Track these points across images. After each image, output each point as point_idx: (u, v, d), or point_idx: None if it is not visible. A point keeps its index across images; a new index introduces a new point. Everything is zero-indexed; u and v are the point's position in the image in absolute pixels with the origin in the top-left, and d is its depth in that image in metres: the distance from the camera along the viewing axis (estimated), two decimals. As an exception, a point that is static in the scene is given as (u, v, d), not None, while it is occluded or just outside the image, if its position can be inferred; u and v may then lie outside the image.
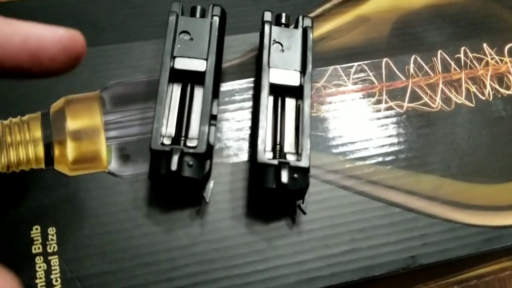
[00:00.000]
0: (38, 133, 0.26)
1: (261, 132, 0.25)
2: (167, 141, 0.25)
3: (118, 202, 0.26)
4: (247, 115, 0.29)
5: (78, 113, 0.27)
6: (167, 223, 0.26)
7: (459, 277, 0.38)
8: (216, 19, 0.27)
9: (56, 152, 0.26)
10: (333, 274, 0.26)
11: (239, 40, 0.31)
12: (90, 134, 0.27)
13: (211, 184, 0.26)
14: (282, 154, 0.26)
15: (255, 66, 0.30)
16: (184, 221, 0.26)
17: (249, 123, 0.29)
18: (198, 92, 0.27)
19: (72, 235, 0.25)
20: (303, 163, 0.25)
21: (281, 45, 0.27)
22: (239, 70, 0.30)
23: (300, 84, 0.27)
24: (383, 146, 0.29)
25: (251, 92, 0.29)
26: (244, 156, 0.28)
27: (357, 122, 0.29)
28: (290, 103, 0.27)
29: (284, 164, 0.24)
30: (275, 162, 0.24)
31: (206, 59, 0.26)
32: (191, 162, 0.24)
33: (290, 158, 0.26)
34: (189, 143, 0.25)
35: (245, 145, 0.28)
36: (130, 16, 0.31)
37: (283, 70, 0.27)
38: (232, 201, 0.27)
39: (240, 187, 0.27)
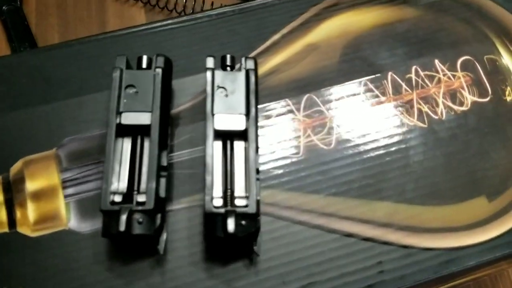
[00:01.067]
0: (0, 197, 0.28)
1: (207, 182, 0.26)
2: (118, 199, 0.26)
3: (80, 258, 0.27)
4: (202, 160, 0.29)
5: (36, 174, 0.28)
6: (128, 275, 0.27)
7: (453, 283, 0.38)
8: (159, 71, 0.28)
9: (18, 214, 0.27)
10: (293, 310, 0.27)
11: (190, 82, 0.31)
12: (49, 193, 0.28)
13: (164, 235, 0.26)
14: (233, 199, 0.26)
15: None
16: (144, 271, 0.27)
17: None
18: (147, 145, 0.27)
19: (38, 295, 0.27)
20: (250, 209, 0.25)
21: (225, 89, 0.28)
22: (191, 114, 0.31)
23: (245, 128, 0.27)
24: (335, 177, 0.29)
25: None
26: (200, 202, 0.28)
27: (308, 155, 0.30)
28: (239, 146, 0.28)
29: (231, 213, 0.25)
30: (222, 210, 0.25)
31: (151, 112, 0.27)
32: (140, 220, 0.25)
33: (240, 203, 0.26)
34: (139, 198, 0.26)
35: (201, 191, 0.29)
36: (81, 68, 0.32)
37: (228, 115, 0.27)
38: (190, 248, 0.28)
39: (197, 232, 0.28)
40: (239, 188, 0.27)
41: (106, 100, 0.30)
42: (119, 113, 0.27)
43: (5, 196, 0.28)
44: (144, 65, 0.29)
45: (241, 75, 0.28)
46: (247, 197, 0.26)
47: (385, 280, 0.27)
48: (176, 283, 0.27)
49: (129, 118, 0.27)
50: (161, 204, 0.26)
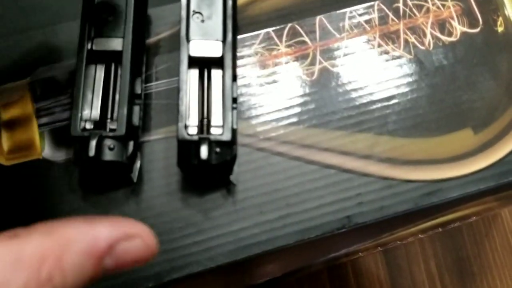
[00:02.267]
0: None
1: (180, 109, 0.25)
2: (89, 126, 0.25)
3: (54, 187, 0.27)
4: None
5: (10, 103, 0.28)
6: (103, 204, 0.27)
7: (440, 219, 0.38)
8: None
9: (-8, 143, 0.27)
10: (269, 240, 0.27)
11: (169, 10, 0.30)
12: (22, 122, 0.28)
13: (138, 164, 0.26)
14: (209, 128, 0.26)
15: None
16: (119, 200, 0.27)
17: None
18: (119, 72, 0.26)
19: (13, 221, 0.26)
20: (225, 136, 0.25)
21: (202, 15, 0.27)
22: (170, 43, 0.30)
23: (222, 55, 0.26)
24: (316, 108, 0.28)
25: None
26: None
27: (290, 86, 0.29)
28: (217, 74, 0.27)
29: (204, 140, 0.24)
30: (196, 138, 0.25)
31: (123, 37, 0.26)
32: (112, 146, 0.24)
33: (216, 131, 0.26)
34: (111, 126, 0.25)
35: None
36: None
37: (204, 41, 0.26)
38: (166, 178, 0.27)
39: (173, 163, 0.27)
40: (216, 117, 0.26)
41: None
42: (90, 39, 0.26)
43: (-21, 127, 0.27)
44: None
45: (219, 0, 0.27)
46: (223, 126, 0.26)
47: (363, 211, 0.27)
48: (152, 212, 0.27)
49: (101, 44, 0.26)
50: (134, 131, 0.26)
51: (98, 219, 0.17)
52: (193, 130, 0.26)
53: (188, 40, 0.26)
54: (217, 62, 0.26)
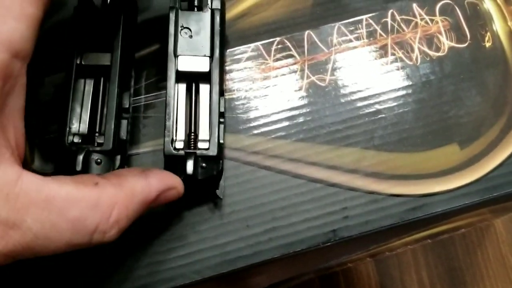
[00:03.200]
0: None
1: (167, 124, 0.25)
2: (77, 140, 0.25)
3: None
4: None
5: None
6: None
7: (430, 231, 0.38)
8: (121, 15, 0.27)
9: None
10: (255, 253, 0.27)
11: (158, 23, 0.30)
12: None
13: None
14: (196, 143, 0.26)
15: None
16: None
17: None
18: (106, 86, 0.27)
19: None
20: (211, 151, 0.25)
21: (190, 30, 0.27)
22: (159, 56, 0.30)
23: (210, 70, 0.26)
24: (304, 122, 0.29)
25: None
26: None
27: (277, 100, 0.29)
28: (204, 88, 0.27)
29: (190, 155, 0.25)
30: (182, 153, 0.25)
31: (111, 52, 0.26)
32: (99, 160, 0.25)
33: (203, 146, 0.26)
34: (99, 140, 0.25)
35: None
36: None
37: (191, 57, 0.26)
38: (153, 190, 0.27)
39: (161, 175, 0.28)
40: (203, 132, 0.27)
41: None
42: (79, 53, 0.26)
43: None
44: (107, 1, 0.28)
45: (207, 15, 0.27)
46: (209, 141, 0.26)
47: (349, 226, 0.27)
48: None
49: (89, 58, 0.26)
50: (121, 145, 0.26)
51: (150, 173, 0.23)
52: (179, 145, 0.26)
53: (176, 55, 0.26)
54: (205, 77, 0.27)
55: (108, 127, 0.25)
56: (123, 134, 0.26)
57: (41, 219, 0.18)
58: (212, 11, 0.27)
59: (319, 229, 0.27)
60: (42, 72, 0.29)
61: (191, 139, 0.26)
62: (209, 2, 0.28)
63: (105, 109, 0.26)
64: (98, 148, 0.25)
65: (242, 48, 0.30)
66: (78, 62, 0.26)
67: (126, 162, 0.27)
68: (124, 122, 0.26)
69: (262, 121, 0.29)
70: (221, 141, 0.26)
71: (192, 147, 0.26)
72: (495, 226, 0.52)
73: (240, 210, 0.27)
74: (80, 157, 0.24)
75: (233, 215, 0.27)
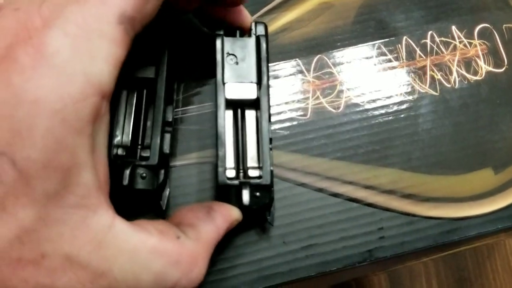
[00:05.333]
0: None
1: (220, 154, 0.25)
2: (121, 152, 0.25)
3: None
4: (212, 120, 0.29)
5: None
6: (129, 227, 0.27)
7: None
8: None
9: None
10: (291, 270, 0.27)
11: (198, 35, 0.30)
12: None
13: (167, 191, 0.26)
14: (245, 169, 0.26)
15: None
16: (145, 225, 0.27)
17: (213, 128, 0.29)
18: (153, 99, 0.27)
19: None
20: (264, 180, 0.25)
21: (236, 57, 0.27)
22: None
23: (257, 97, 0.26)
24: (341, 141, 0.29)
25: (208, 95, 0.29)
26: (204, 159, 0.28)
27: (315, 118, 0.29)
28: (250, 115, 0.27)
29: (245, 185, 0.24)
30: (236, 182, 0.25)
31: (157, 65, 0.26)
32: (144, 174, 0.25)
33: (253, 173, 0.26)
34: (143, 153, 0.25)
35: (210, 151, 0.28)
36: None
37: (238, 84, 0.26)
38: (191, 204, 0.27)
39: (200, 189, 0.28)
40: (252, 158, 0.26)
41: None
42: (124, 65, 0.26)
43: None
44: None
45: (251, 42, 0.27)
46: (260, 168, 0.26)
47: (384, 246, 0.27)
48: (177, 238, 0.27)
49: (134, 70, 0.26)
50: (164, 159, 0.26)
51: (214, 213, 0.23)
52: (231, 173, 0.26)
53: (223, 83, 0.26)
54: (252, 103, 0.27)
55: (154, 142, 0.25)
56: (166, 148, 0.26)
57: (126, 269, 0.18)
58: (258, 38, 0.27)
59: (355, 248, 0.27)
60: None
61: (241, 166, 0.26)
62: (253, 28, 0.27)
63: (148, 122, 0.26)
64: (143, 163, 0.25)
65: (281, 63, 0.30)
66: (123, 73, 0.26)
67: (168, 176, 0.27)
68: (167, 136, 0.26)
69: (300, 137, 0.29)
70: (271, 168, 0.26)
71: (242, 175, 0.26)
72: (505, 240, 0.53)
73: (277, 227, 0.27)
74: (127, 172, 0.24)
75: (270, 231, 0.27)
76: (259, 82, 0.26)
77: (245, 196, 0.24)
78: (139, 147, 0.26)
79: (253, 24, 0.27)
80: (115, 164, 0.24)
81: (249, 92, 0.26)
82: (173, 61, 0.27)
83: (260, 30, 0.27)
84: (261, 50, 0.27)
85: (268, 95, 0.26)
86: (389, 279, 0.51)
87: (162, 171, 0.26)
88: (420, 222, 0.28)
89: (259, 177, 0.25)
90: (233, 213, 0.24)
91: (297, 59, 0.30)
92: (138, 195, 0.25)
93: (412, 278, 0.51)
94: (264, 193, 0.25)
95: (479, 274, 0.52)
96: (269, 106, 0.26)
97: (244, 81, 0.26)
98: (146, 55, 0.26)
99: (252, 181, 0.25)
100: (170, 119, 0.27)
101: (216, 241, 0.23)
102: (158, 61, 0.26)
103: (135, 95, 0.27)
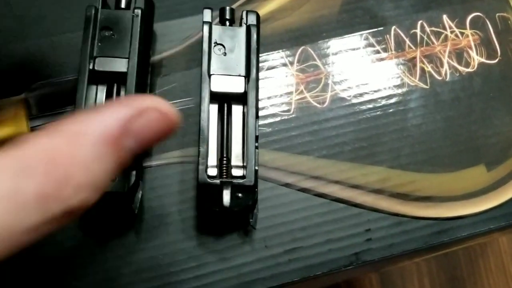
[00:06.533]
0: (-38, 144, 0.25)
1: (201, 150, 0.23)
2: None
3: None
4: (194, 116, 0.27)
5: (3, 121, 0.26)
6: (101, 234, 0.25)
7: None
8: (138, 12, 0.25)
9: (-18, 163, 0.25)
10: (273, 276, 0.25)
11: (175, 26, 0.29)
12: (16, 142, 0.26)
13: (139, 194, 0.25)
14: (229, 168, 0.24)
15: (200, 56, 0.28)
16: (118, 230, 0.25)
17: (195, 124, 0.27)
18: (123, 94, 0.25)
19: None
20: (248, 181, 0.23)
21: (224, 47, 0.25)
22: (175, 62, 0.28)
23: (245, 91, 0.25)
24: (327, 138, 0.27)
25: (196, 87, 0.27)
26: (182, 159, 0.26)
27: (299, 114, 0.27)
28: (237, 110, 0.25)
29: (227, 184, 0.23)
30: (217, 181, 0.23)
31: (128, 58, 0.24)
32: (115, 178, 0.23)
33: (237, 173, 0.24)
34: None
35: (192, 149, 0.27)
36: (56, 5, 0.29)
37: (225, 77, 0.25)
38: (167, 207, 0.26)
39: (176, 190, 0.26)
40: (236, 157, 0.25)
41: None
42: (92, 58, 0.24)
43: (-31, 143, 0.25)
44: (122, 4, 0.26)
45: (242, 31, 0.25)
46: (244, 167, 0.24)
47: (372, 249, 0.26)
48: (152, 244, 0.25)
49: (104, 64, 0.24)
50: (136, 160, 0.24)
51: (106, 105, 0.17)
52: (212, 171, 0.24)
53: (209, 74, 0.24)
54: (239, 98, 0.25)
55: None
56: (138, 147, 0.24)
57: None
58: (248, 27, 0.25)
59: (341, 251, 0.26)
60: (50, 73, 0.27)
61: (224, 164, 0.24)
62: (244, 17, 0.26)
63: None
64: (112, 164, 0.23)
65: (263, 56, 0.28)
66: (91, 67, 0.24)
67: (141, 177, 0.25)
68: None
69: (283, 135, 0.27)
70: (257, 167, 0.24)
71: (225, 174, 0.24)
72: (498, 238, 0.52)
73: (258, 229, 0.26)
74: (94, 174, 0.22)
75: (251, 234, 0.26)
76: (247, 75, 0.24)
77: (226, 196, 0.22)
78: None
79: (244, 13, 0.26)
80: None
81: (236, 85, 0.24)
82: (145, 53, 0.26)
83: (252, 19, 0.25)
84: (251, 41, 0.25)
85: (257, 89, 0.24)
86: (380, 278, 0.50)
87: (133, 173, 0.24)
88: (409, 223, 0.26)
89: (243, 177, 0.24)
90: (140, 100, 0.16)
91: (280, 51, 0.28)
92: (108, 199, 0.24)
93: (404, 277, 0.50)
94: (247, 194, 0.23)
95: (472, 272, 0.51)
96: (257, 101, 0.24)
97: (232, 74, 0.24)
98: (116, 46, 0.24)
99: (234, 180, 0.23)
100: (143, 116, 0.25)
101: (102, 133, 0.15)
102: (129, 53, 0.24)
103: (105, 91, 0.25)
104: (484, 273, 0.51)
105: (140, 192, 0.25)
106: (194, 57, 0.28)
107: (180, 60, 0.28)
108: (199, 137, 0.24)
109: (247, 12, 0.26)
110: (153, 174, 0.26)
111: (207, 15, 0.25)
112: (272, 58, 0.28)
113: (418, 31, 0.29)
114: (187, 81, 0.28)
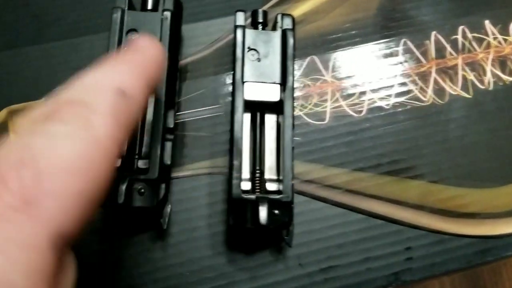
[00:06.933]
0: (-22, 152, 0.24)
1: (235, 164, 0.22)
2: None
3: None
4: (223, 124, 0.26)
5: (22, 127, 0.25)
6: (128, 247, 0.24)
7: None
8: (168, 14, 0.23)
9: None
10: (308, 296, 0.24)
11: (201, 29, 0.27)
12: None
13: (168, 208, 0.23)
14: (262, 182, 0.23)
15: (229, 60, 0.26)
16: (144, 244, 0.24)
17: (225, 133, 0.25)
18: (150, 101, 0.23)
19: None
20: (285, 197, 0.22)
21: (257, 52, 0.23)
22: (202, 67, 0.26)
23: (280, 99, 0.23)
24: (364, 149, 0.26)
25: (224, 96, 0.26)
26: (209, 169, 0.25)
27: (334, 123, 0.26)
28: (270, 119, 0.24)
29: (263, 200, 0.21)
30: (253, 197, 0.21)
31: (157, 64, 0.23)
32: (142, 190, 0.21)
33: (271, 187, 0.23)
34: (141, 164, 0.22)
35: (222, 160, 0.25)
36: (76, 4, 0.27)
37: (259, 84, 0.23)
38: (195, 221, 0.24)
39: (204, 204, 0.25)
40: (270, 169, 0.23)
41: (105, 44, 0.26)
42: (119, 63, 0.23)
43: (-15, 151, 0.24)
44: (149, 6, 0.24)
45: (277, 36, 0.24)
46: (279, 181, 0.23)
47: (412, 268, 0.24)
48: (179, 259, 0.24)
49: (131, 69, 0.23)
50: (165, 172, 0.23)
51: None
52: (246, 185, 0.23)
53: (243, 82, 0.23)
54: (272, 107, 0.23)
55: (153, 152, 0.22)
56: (167, 158, 0.23)
57: None
58: (284, 32, 0.24)
59: (379, 271, 0.24)
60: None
61: (257, 177, 0.23)
62: (279, 21, 0.24)
63: (146, 127, 0.23)
64: (142, 177, 0.21)
65: (296, 61, 0.27)
66: (117, 72, 0.23)
67: (168, 190, 0.24)
68: (168, 145, 0.23)
69: (317, 145, 0.26)
70: (293, 182, 0.22)
71: (258, 188, 0.22)
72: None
73: (292, 246, 0.24)
74: (123, 188, 0.21)
75: (284, 252, 0.24)
76: (283, 83, 0.23)
77: (263, 214, 0.21)
78: (136, 157, 0.23)
79: (279, 16, 0.24)
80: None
81: (271, 93, 0.23)
82: (174, 58, 0.24)
83: (287, 23, 0.24)
84: (287, 46, 0.23)
85: (293, 98, 0.23)
86: None
87: (163, 186, 0.22)
88: (451, 241, 0.25)
89: (278, 191, 0.22)
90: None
91: (312, 56, 0.27)
92: (135, 213, 0.22)
93: (425, 285, 0.49)
94: (284, 210, 0.22)
95: (495, 282, 0.49)
96: (293, 111, 0.23)
97: (266, 81, 0.23)
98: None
99: (271, 196, 0.21)
100: (172, 125, 0.24)
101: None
102: (157, 58, 0.23)
103: (132, 97, 0.23)
104: (508, 284, 0.49)
105: (169, 206, 0.23)
106: (222, 62, 0.27)
107: (207, 65, 0.27)
108: (232, 149, 0.22)
109: (282, 15, 0.24)
110: (180, 186, 0.25)
111: (240, 18, 0.24)
112: (305, 63, 0.27)
113: (459, 37, 0.27)
114: (215, 87, 0.26)
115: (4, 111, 0.25)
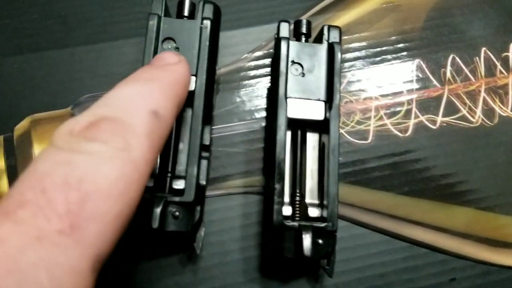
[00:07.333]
0: (0, 163, 0.22)
1: (277, 188, 0.20)
2: (149, 182, 0.20)
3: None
4: (259, 140, 0.24)
5: (46, 137, 0.23)
6: (155, 271, 0.22)
7: None
8: (207, 23, 0.22)
9: (21, 186, 0.22)
10: (346, 328, 0.23)
11: (238, 37, 0.25)
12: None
13: (202, 232, 0.22)
14: (303, 207, 0.21)
15: (266, 72, 0.25)
16: (174, 268, 0.22)
17: (261, 150, 0.24)
18: (186, 115, 0.22)
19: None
20: (330, 225, 0.20)
21: (302, 66, 0.22)
22: (237, 78, 0.25)
23: (326, 118, 0.21)
24: (409, 172, 0.24)
25: (260, 110, 0.24)
26: (242, 189, 0.23)
27: (378, 142, 0.24)
28: (312, 138, 0.22)
29: (307, 229, 0.19)
30: (295, 224, 0.20)
31: (195, 75, 0.21)
32: (177, 213, 0.20)
33: (313, 212, 0.21)
34: (175, 185, 0.21)
35: (257, 178, 0.24)
36: (105, 6, 0.25)
37: (303, 101, 0.21)
38: (228, 244, 0.23)
39: (237, 226, 0.23)
40: (311, 193, 0.22)
41: (135, 51, 0.25)
42: (154, 73, 0.21)
43: (8, 162, 0.22)
44: (185, 12, 0.23)
45: (322, 49, 0.22)
46: (320, 206, 0.21)
47: (457, 301, 0.23)
48: (211, 284, 0.22)
49: (167, 81, 0.21)
50: (201, 193, 0.21)
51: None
52: (287, 211, 0.21)
53: (286, 97, 0.21)
54: (315, 125, 0.22)
55: (190, 172, 0.20)
56: (203, 178, 0.21)
57: None
58: (331, 45, 0.22)
59: (423, 303, 0.23)
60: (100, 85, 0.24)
61: (297, 202, 0.21)
62: (326, 33, 0.22)
63: (181, 144, 0.22)
64: (177, 199, 0.20)
65: (338, 74, 0.25)
66: (152, 84, 0.21)
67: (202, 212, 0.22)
68: (204, 163, 0.21)
69: (359, 166, 0.24)
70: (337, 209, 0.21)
71: (298, 214, 0.21)
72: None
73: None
74: (157, 211, 0.19)
75: (323, 281, 0.23)
76: (328, 101, 0.21)
77: (306, 244, 0.19)
78: (169, 175, 0.21)
79: (325, 28, 0.22)
80: (144, 200, 0.20)
81: (315, 111, 0.21)
82: (212, 70, 0.22)
83: (334, 36, 0.22)
84: (334, 61, 0.21)
85: (339, 117, 0.21)
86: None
87: (198, 208, 0.21)
88: (498, 272, 0.23)
89: (322, 218, 0.20)
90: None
91: (355, 69, 0.25)
92: (167, 236, 0.21)
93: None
94: (327, 239, 0.20)
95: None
96: (339, 132, 0.21)
97: (311, 98, 0.21)
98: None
99: (315, 224, 0.20)
100: (208, 142, 0.22)
101: None
102: (196, 70, 0.21)
103: (166, 111, 0.22)
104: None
105: (203, 229, 0.22)
106: (260, 73, 0.25)
107: (243, 76, 0.25)
108: (270, 169, 0.21)
109: (329, 27, 0.22)
110: (213, 205, 0.23)
111: (284, 29, 0.22)
112: (348, 78, 0.25)
113: (510, 54, 0.26)
114: (252, 100, 0.25)
115: (27, 120, 0.23)
